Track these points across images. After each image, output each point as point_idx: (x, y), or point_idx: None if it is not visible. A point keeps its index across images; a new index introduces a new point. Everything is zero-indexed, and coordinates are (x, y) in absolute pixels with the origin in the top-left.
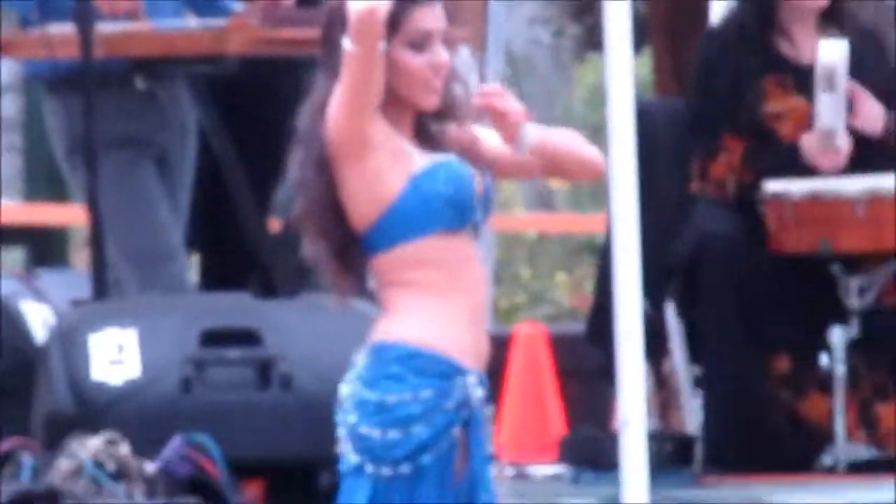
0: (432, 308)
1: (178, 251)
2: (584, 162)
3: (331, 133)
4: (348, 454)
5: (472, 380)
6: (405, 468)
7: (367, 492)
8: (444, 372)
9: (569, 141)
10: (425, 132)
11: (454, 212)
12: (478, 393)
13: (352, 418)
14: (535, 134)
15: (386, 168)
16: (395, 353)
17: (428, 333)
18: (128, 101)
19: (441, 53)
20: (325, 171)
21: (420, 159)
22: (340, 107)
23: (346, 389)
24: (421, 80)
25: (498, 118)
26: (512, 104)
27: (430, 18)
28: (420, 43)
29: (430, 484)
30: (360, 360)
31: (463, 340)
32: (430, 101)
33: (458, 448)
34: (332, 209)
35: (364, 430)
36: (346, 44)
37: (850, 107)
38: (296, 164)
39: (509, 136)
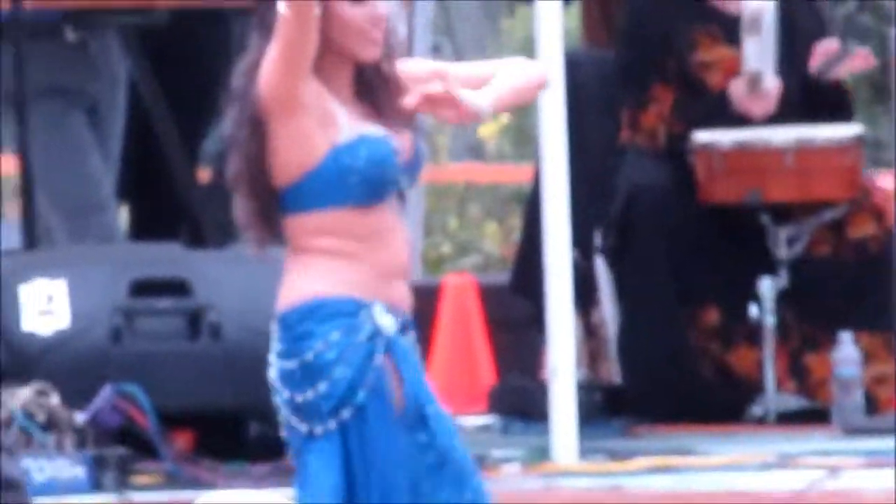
0: (335, 264)
1: (108, 201)
2: (534, 89)
3: (263, 91)
4: (297, 426)
5: (377, 309)
6: (346, 413)
7: (327, 454)
8: (346, 311)
9: (514, 82)
10: (368, 87)
11: (368, 188)
12: (387, 321)
13: (286, 394)
14: (487, 100)
15: (312, 131)
16: (298, 315)
17: (324, 284)
18: (58, 52)
19: (379, 6)
20: (257, 130)
21: (347, 128)
22: (273, 66)
23: (272, 371)
24: (360, 31)
25: (443, 106)
26: (448, 88)
27: None
28: None
29: (375, 419)
30: (274, 335)
31: (368, 283)
32: (370, 53)
33: (388, 376)
34: (263, 168)
35: (299, 398)
36: (281, 6)
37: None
38: (230, 123)
39: (464, 115)
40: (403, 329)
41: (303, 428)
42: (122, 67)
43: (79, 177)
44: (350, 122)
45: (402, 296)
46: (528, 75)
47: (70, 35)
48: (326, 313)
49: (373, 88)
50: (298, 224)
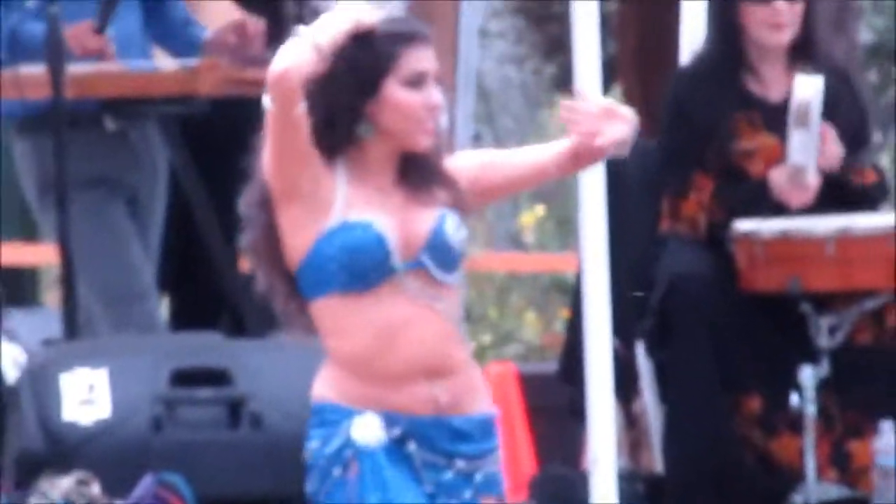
0: (334, 360)
1: (149, 290)
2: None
3: (265, 177)
4: None
5: (360, 420)
6: None
7: None
8: (331, 420)
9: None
10: (410, 173)
11: (349, 275)
12: (367, 432)
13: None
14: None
15: (305, 220)
16: (311, 412)
17: (325, 387)
18: (98, 142)
19: (435, 94)
20: (265, 210)
21: (338, 215)
22: (268, 155)
23: None
24: (415, 118)
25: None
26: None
27: (426, 59)
28: (416, 82)
29: None
30: None
31: (363, 388)
32: (422, 141)
33: (345, 488)
34: (274, 246)
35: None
36: (266, 100)
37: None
38: (244, 201)
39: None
40: (422, 435)
41: None
42: (163, 157)
43: (120, 266)
44: (346, 208)
45: (427, 396)
46: None
47: (110, 125)
48: (319, 420)
49: (417, 177)
50: (313, 310)
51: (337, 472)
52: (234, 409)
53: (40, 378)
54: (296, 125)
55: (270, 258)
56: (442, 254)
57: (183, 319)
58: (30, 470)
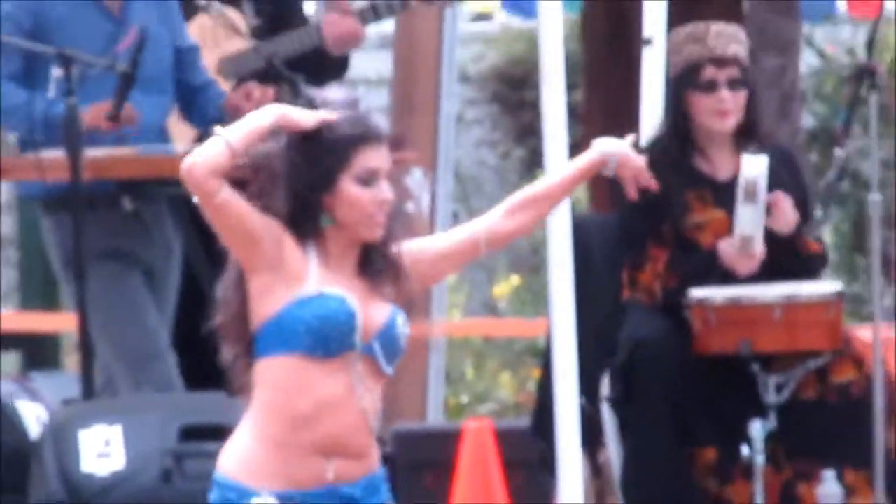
0: (250, 431)
1: (165, 352)
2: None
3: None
4: None
5: (257, 501)
6: None
7: None
8: (230, 499)
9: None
10: (374, 265)
11: (315, 340)
12: None
13: None
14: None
15: (275, 287)
16: (214, 482)
17: (231, 460)
18: (115, 220)
19: (386, 190)
20: (240, 288)
21: (313, 285)
22: (222, 239)
23: None
24: (366, 213)
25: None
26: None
27: (377, 157)
28: (366, 179)
29: None
30: None
31: (266, 463)
32: (373, 234)
33: None
34: (241, 318)
35: None
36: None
37: (769, 210)
38: (222, 283)
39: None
40: (338, 502)
41: None
42: (177, 236)
43: (138, 330)
44: (323, 283)
45: (321, 471)
46: None
47: (127, 205)
48: (221, 495)
49: (374, 270)
50: (257, 366)
51: None
52: None
53: (61, 434)
54: (224, 212)
55: (239, 333)
56: (389, 345)
57: (191, 381)
58: None
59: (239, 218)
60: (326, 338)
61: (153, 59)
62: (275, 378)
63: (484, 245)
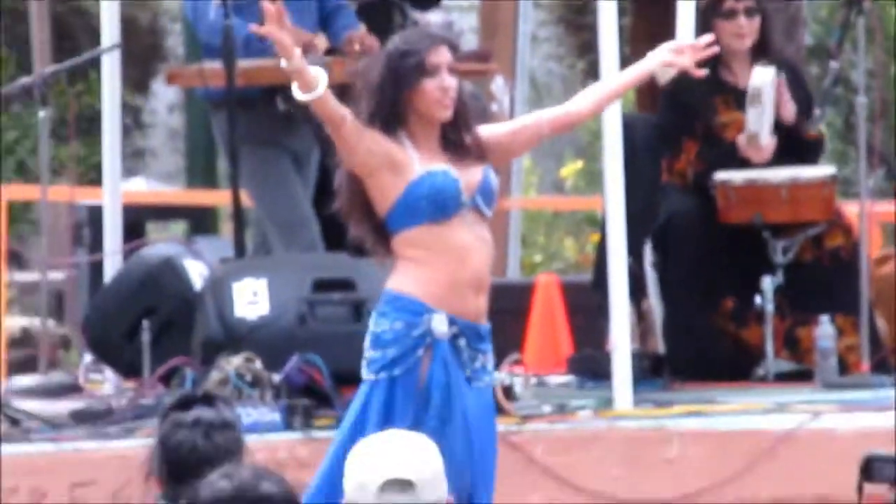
0: (418, 272)
1: (310, 219)
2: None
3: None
4: (363, 370)
5: (437, 317)
6: (383, 376)
7: (362, 395)
8: (414, 310)
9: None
10: (448, 139)
11: (435, 208)
12: (441, 328)
13: (366, 346)
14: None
15: (387, 180)
16: (386, 298)
17: (408, 285)
18: (271, 116)
19: (447, 79)
20: (352, 181)
21: (418, 168)
22: (343, 156)
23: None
24: (433, 98)
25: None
26: None
27: (437, 55)
28: (431, 72)
29: (401, 389)
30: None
31: (439, 294)
32: (443, 114)
33: (421, 364)
34: (359, 205)
35: (367, 353)
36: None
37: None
38: (336, 181)
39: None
40: (467, 335)
41: (364, 374)
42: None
43: (288, 201)
44: (423, 164)
45: (473, 307)
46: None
47: (280, 105)
48: (400, 306)
49: (454, 141)
50: (396, 241)
51: (420, 352)
52: (357, 308)
53: (218, 286)
54: (353, 135)
55: (359, 214)
56: (488, 194)
57: (327, 243)
58: (211, 352)
59: (360, 137)
60: (443, 204)
61: None
62: (416, 244)
63: (547, 126)
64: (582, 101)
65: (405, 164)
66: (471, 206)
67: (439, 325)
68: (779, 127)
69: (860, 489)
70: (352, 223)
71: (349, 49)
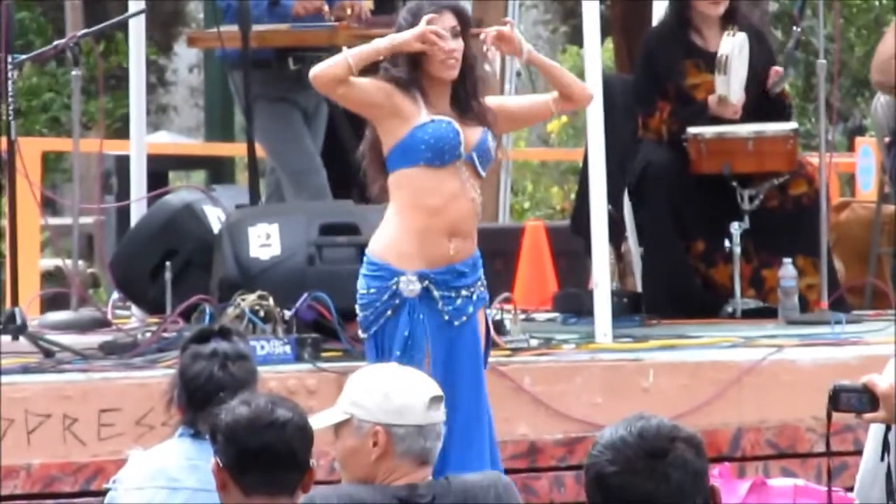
0: (392, 228)
1: (319, 168)
2: (573, 83)
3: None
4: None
5: (404, 279)
6: (365, 334)
7: (366, 350)
8: (383, 276)
9: (562, 72)
10: (463, 100)
11: (433, 153)
12: (409, 287)
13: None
14: (533, 51)
15: (395, 125)
16: (366, 260)
17: (381, 247)
18: (283, 75)
19: (451, 42)
20: (371, 129)
21: (424, 116)
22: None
23: None
24: (438, 60)
25: (500, 41)
26: (507, 31)
27: (439, 20)
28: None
29: (377, 343)
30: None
31: (409, 252)
32: (447, 74)
33: (394, 323)
34: (373, 149)
35: (358, 313)
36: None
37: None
38: (366, 134)
39: (512, 48)
40: (441, 280)
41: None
42: None
43: (299, 150)
44: (430, 113)
45: (446, 251)
46: (573, 80)
47: (291, 65)
48: (372, 270)
49: (461, 101)
50: (391, 180)
51: (389, 313)
52: (361, 251)
53: (234, 230)
54: (344, 100)
55: (371, 155)
56: (484, 154)
57: (331, 191)
58: (228, 290)
59: (358, 97)
60: (441, 150)
61: None
62: (408, 183)
63: (553, 107)
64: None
65: (412, 113)
66: (466, 159)
67: (406, 285)
68: (749, 89)
69: (829, 416)
70: (365, 165)
71: (340, 14)
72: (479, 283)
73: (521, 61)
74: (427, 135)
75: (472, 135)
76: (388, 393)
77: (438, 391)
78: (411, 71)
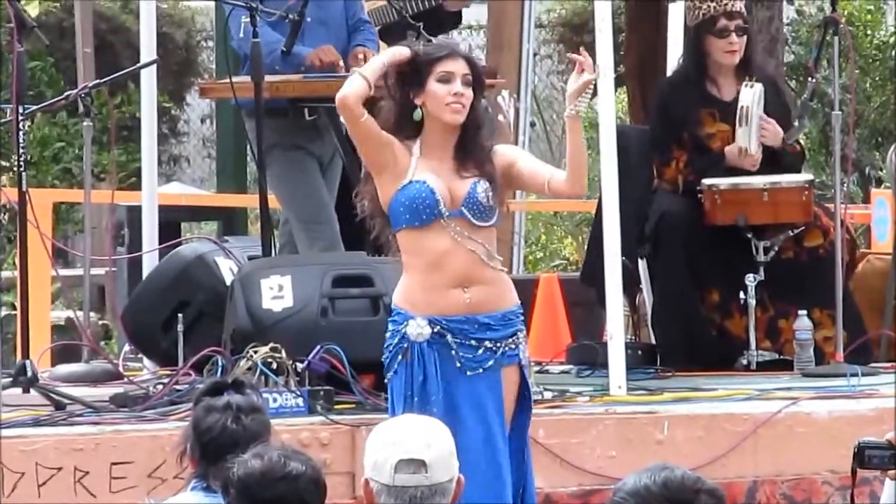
0: (405, 277)
1: (332, 219)
2: (584, 175)
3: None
4: None
5: (412, 322)
6: (388, 375)
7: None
8: (396, 320)
9: (584, 152)
10: (464, 150)
11: (410, 215)
12: (417, 331)
13: None
14: (579, 118)
15: (388, 183)
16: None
17: (397, 295)
18: (299, 124)
19: (459, 86)
20: (368, 180)
21: (410, 175)
22: (359, 151)
23: None
24: (444, 103)
25: (581, 73)
26: (592, 79)
27: (452, 64)
28: (445, 79)
29: (393, 385)
30: None
31: (419, 298)
32: (454, 118)
33: (409, 366)
34: (376, 202)
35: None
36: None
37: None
38: (362, 178)
39: (579, 92)
40: (457, 329)
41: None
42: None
43: (313, 201)
44: (418, 172)
45: (461, 301)
46: (585, 171)
47: (307, 115)
48: (392, 316)
49: (464, 153)
50: (397, 240)
51: (400, 357)
52: (375, 302)
53: (247, 281)
54: (363, 130)
55: (376, 210)
56: (474, 206)
57: (346, 242)
58: (240, 342)
59: (372, 134)
60: (417, 211)
61: (330, 6)
62: (403, 244)
63: (549, 185)
64: (567, 181)
65: (403, 172)
66: (454, 215)
67: (413, 329)
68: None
69: (853, 474)
70: (372, 219)
71: (354, 63)
72: (511, 340)
73: (568, 113)
74: (404, 197)
75: (461, 189)
76: (372, 445)
77: (419, 455)
78: (412, 113)
